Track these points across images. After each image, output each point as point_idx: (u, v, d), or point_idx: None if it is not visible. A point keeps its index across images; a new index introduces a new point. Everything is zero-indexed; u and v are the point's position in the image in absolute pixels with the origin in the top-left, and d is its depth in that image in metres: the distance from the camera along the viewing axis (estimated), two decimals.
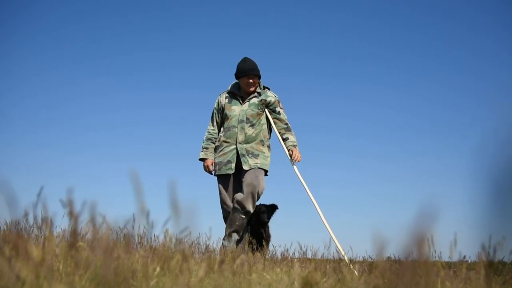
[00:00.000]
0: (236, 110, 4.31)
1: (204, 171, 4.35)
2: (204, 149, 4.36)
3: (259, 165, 4.16)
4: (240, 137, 4.19)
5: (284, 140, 4.32)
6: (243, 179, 4.17)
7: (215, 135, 4.40)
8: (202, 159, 4.36)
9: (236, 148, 4.19)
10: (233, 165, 4.18)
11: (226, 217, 4.21)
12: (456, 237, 1.82)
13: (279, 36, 11.75)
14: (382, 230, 1.14)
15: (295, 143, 4.28)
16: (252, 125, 4.25)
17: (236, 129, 4.23)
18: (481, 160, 0.86)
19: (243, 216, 4.08)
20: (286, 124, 4.37)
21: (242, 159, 4.16)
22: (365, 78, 11.66)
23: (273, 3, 11.72)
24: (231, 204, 4.17)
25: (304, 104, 11.38)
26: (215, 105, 4.46)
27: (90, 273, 1.43)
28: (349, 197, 9.13)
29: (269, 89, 4.48)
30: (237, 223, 4.08)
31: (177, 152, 10.24)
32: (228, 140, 4.25)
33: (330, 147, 10.64)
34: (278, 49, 11.39)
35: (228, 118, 4.31)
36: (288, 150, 4.27)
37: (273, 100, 4.37)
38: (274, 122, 4.36)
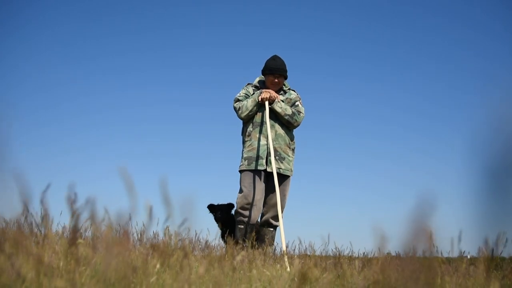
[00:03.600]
0: (265, 106, 4.24)
1: (265, 97, 4.18)
2: (249, 99, 4.26)
3: (281, 171, 4.16)
4: (272, 134, 4.15)
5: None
6: (269, 194, 4.18)
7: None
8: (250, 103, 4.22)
9: (267, 144, 4.14)
10: (264, 161, 4.12)
11: (241, 209, 4.11)
12: (461, 234, 1.83)
13: (280, 36, 11.73)
14: (381, 226, 1.14)
15: (284, 106, 4.23)
16: (281, 124, 4.25)
17: (267, 125, 4.17)
18: (474, 153, 0.86)
19: (271, 229, 4.24)
20: (298, 110, 4.30)
21: (269, 158, 4.11)
22: (361, 76, 11.66)
23: (275, 2, 11.70)
24: (255, 201, 4.10)
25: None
26: (242, 93, 4.35)
27: (90, 270, 1.43)
28: (348, 194, 9.15)
29: (294, 90, 4.47)
30: (267, 237, 4.20)
31: (179, 151, 10.24)
32: (258, 135, 4.20)
33: (328, 145, 10.65)
34: (278, 48, 11.37)
35: (257, 113, 4.26)
36: (281, 136, 4.26)
37: (295, 96, 4.37)
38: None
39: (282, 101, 4.30)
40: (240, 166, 4.23)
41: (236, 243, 4.05)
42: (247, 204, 4.07)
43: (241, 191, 4.14)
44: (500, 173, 0.82)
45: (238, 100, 4.32)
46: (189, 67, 11.45)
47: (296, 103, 4.32)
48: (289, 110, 4.21)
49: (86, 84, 11.13)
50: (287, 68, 4.33)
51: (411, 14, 11.69)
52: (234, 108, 4.31)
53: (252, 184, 4.10)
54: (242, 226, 4.08)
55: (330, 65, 11.69)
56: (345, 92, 11.66)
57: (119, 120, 10.93)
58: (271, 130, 4.17)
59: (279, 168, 4.13)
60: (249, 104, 4.21)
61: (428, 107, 11.43)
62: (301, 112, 4.28)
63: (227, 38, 11.76)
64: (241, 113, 4.24)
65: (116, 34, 11.35)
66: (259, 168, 4.11)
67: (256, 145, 4.17)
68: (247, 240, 4.05)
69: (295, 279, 1.98)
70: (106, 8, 11.22)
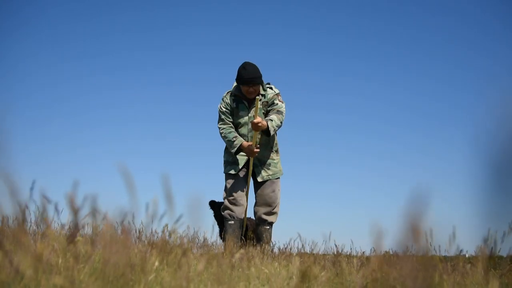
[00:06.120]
0: (244, 117, 4.20)
1: (251, 155, 4.14)
2: (235, 138, 4.15)
3: (271, 177, 4.21)
4: (256, 111, 4.09)
5: (267, 117, 4.22)
6: (258, 191, 4.22)
7: (232, 127, 4.25)
8: (238, 148, 4.16)
9: (249, 159, 4.19)
10: (238, 167, 4.19)
11: (227, 204, 4.16)
12: (455, 231, 1.83)
13: (277, 33, 11.73)
14: (379, 224, 1.15)
15: (272, 119, 4.09)
16: (262, 131, 4.20)
17: (247, 137, 4.19)
18: (476, 150, 0.87)
19: (267, 227, 4.25)
20: (279, 110, 4.20)
21: (255, 169, 4.20)
22: (361, 74, 11.66)
23: (272, 1, 11.69)
24: (238, 197, 4.18)
25: (299, 100, 11.38)
26: (223, 107, 4.25)
27: (89, 268, 1.43)
28: (348, 193, 9.16)
29: (270, 87, 4.31)
30: (264, 235, 4.23)
31: (181, 149, 10.25)
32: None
33: (326, 143, 10.66)
34: (274, 46, 11.38)
35: (237, 125, 4.26)
36: (260, 143, 4.22)
37: (272, 96, 4.23)
38: (270, 110, 4.24)
39: (264, 111, 4.26)
40: (224, 170, 4.32)
41: (230, 240, 4.10)
42: (233, 199, 4.16)
43: (225, 188, 4.24)
44: (502, 170, 0.82)
45: (222, 120, 4.25)
46: (190, 65, 11.45)
47: (275, 102, 4.22)
48: (276, 122, 4.12)
49: (87, 83, 11.12)
50: (261, 72, 4.16)
51: (411, 13, 11.69)
52: (218, 128, 4.28)
53: (234, 180, 4.20)
54: (232, 222, 4.13)
55: (330, 63, 11.68)
56: (345, 91, 11.67)
57: (120, 119, 10.92)
58: (251, 141, 4.14)
59: (268, 175, 4.22)
60: (227, 143, 4.21)
61: (428, 105, 11.45)
62: (281, 112, 4.20)
63: (230, 37, 11.74)
64: (223, 139, 4.27)
65: (118, 33, 11.33)
66: (231, 172, 4.19)
67: (237, 156, 4.22)
68: (242, 237, 4.13)
69: (294, 277, 1.98)
70: (105, 7, 11.19)
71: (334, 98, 11.61)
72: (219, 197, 4.53)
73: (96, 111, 11.01)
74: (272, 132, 4.06)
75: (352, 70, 11.67)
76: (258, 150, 4.12)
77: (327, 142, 10.68)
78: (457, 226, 1.91)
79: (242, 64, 4.15)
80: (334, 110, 11.39)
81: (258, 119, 3.98)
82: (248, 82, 4.06)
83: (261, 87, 4.22)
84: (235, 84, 4.27)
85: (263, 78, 4.27)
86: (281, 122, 4.17)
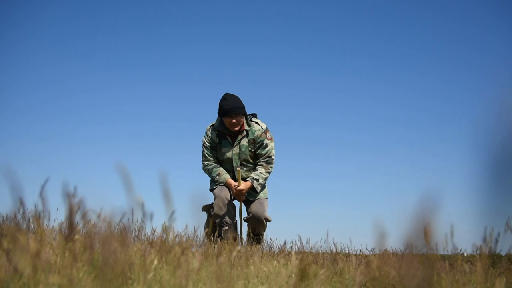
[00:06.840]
0: (228, 153, 4.13)
1: (240, 197, 4.15)
2: (218, 176, 4.13)
3: (263, 195, 4.19)
4: (238, 180, 4.08)
5: (255, 169, 4.21)
6: (250, 207, 4.19)
7: (216, 162, 4.20)
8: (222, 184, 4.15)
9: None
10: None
11: (219, 211, 4.15)
12: (453, 229, 1.84)
13: (272, 32, 11.72)
14: (381, 222, 1.15)
15: (257, 177, 4.09)
16: (248, 167, 4.20)
17: (231, 173, 4.17)
18: (475, 147, 0.87)
19: (257, 237, 4.26)
20: (269, 156, 4.16)
21: (247, 197, 4.17)
22: (362, 73, 11.67)
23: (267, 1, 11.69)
24: (228, 203, 4.16)
25: (302, 99, 11.40)
26: (206, 142, 4.18)
27: (87, 266, 1.43)
28: (347, 191, 9.18)
29: (256, 122, 4.18)
30: (257, 237, 4.25)
31: (179, 147, 10.25)
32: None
33: (327, 142, 10.68)
34: (270, 44, 11.39)
35: (221, 162, 4.22)
36: (245, 179, 4.16)
37: (259, 133, 4.13)
38: (258, 154, 4.17)
39: (251, 149, 4.16)
40: (210, 188, 4.31)
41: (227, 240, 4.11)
42: (224, 205, 4.13)
43: (214, 196, 4.20)
44: (501, 167, 0.82)
45: (205, 156, 4.19)
46: (190, 63, 11.45)
47: (264, 143, 4.14)
48: (262, 178, 4.12)
49: (87, 81, 11.11)
50: (243, 103, 4.05)
51: (411, 11, 11.70)
52: (202, 164, 4.23)
53: (221, 188, 4.15)
54: (227, 227, 4.12)
55: (332, 62, 11.69)
56: (344, 89, 11.68)
57: (120, 117, 10.92)
58: (237, 176, 4.09)
59: (259, 194, 4.19)
60: (214, 179, 4.17)
61: (427, 102, 11.47)
62: (271, 159, 4.16)
63: (230, 35, 11.74)
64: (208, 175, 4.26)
65: (114, 31, 11.32)
66: (214, 188, 4.19)
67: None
68: (239, 238, 4.15)
69: (293, 275, 1.98)
70: (105, 7, 11.18)
71: (333, 97, 11.62)
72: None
73: (96, 110, 11.00)
74: (259, 189, 4.10)
75: (354, 69, 11.68)
76: (244, 196, 4.13)
77: (326, 141, 10.70)
78: (456, 224, 1.92)
79: (223, 95, 4.05)
80: (333, 109, 11.41)
81: (242, 187, 4.00)
82: (230, 111, 3.94)
83: (245, 122, 4.10)
84: (218, 118, 4.16)
85: (248, 116, 4.17)
86: (269, 173, 4.16)
